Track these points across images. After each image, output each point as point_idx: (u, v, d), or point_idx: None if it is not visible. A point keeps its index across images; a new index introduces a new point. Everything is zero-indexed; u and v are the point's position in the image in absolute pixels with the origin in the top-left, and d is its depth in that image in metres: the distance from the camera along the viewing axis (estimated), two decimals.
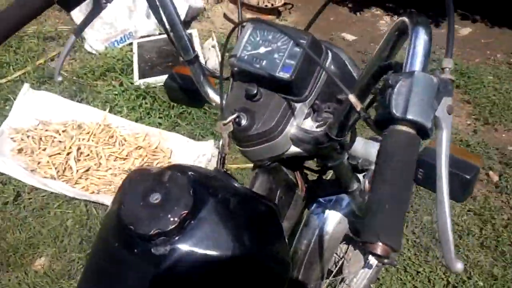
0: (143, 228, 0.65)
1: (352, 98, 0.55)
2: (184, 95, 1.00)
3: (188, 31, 3.12)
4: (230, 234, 0.70)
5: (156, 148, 2.38)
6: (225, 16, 3.79)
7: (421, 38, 0.49)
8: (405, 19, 0.53)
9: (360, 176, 1.00)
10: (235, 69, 0.80)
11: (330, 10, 4.05)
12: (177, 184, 0.70)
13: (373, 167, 1.07)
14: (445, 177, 0.47)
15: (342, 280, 1.53)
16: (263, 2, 3.71)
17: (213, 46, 2.93)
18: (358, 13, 3.99)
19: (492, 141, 2.50)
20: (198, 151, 2.35)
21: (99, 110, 2.53)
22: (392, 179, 0.43)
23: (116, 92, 2.67)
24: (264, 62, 0.76)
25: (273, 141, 0.77)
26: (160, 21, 0.78)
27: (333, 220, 1.18)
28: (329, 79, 0.78)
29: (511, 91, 2.84)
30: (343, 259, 1.43)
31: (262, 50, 0.77)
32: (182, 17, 3.19)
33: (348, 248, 1.45)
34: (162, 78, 2.71)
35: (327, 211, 1.17)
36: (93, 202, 2.14)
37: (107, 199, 2.11)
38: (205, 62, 2.89)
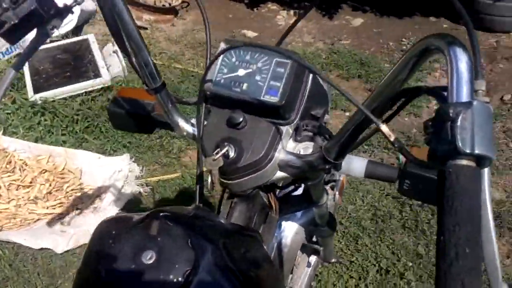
0: None
1: (384, 128, 0.53)
2: (131, 122, 0.90)
3: (84, 36, 2.89)
4: (232, 280, 0.63)
5: (63, 169, 2.16)
6: None
7: (463, 60, 0.46)
8: (435, 40, 0.50)
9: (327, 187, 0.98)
10: (208, 93, 0.73)
11: (227, 7, 4.03)
12: (171, 235, 0.61)
13: (341, 177, 1.06)
14: (490, 202, 0.45)
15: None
16: (160, 1, 3.56)
17: (115, 52, 2.73)
18: (255, 9, 4.01)
19: (396, 125, 2.66)
20: (112, 168, 2.18)
21: None
22: (466, 219, 0.41)
23: (9, 111, 2.39)
24: (245, 86, 0.71)
25: (262, 170, 0.71)
26: (122, 46, 0.68)
27: (291, 231, 1.15)
28: (308, 97, 0.74)
29: None
30: (293, 265, 1.41)
31: (241, 72, 0.71)
32: (75, 22, 2.93)
33: (297, 253, 1.43)
34: (61, 90, 2.49)
35: (283, 223, 1.14)
36: None
37: (13, 236, 1.88)
38: (107, 69, 2.69)
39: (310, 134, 0.76)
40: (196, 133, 0.80)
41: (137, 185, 2.14)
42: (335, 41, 3.60)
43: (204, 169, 0.79)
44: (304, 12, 0.87)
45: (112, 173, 2.15)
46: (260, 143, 0.70)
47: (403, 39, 3.58)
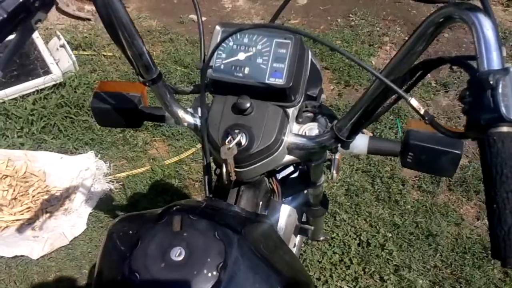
0: None
1: (413, 101, 0.53)
2: (119, 117, 0.85)
3: None
4: (260, 267, 0.62)
5: (25, 173, 2.04)
6: (58, 9, 3.38)
7: (489, 28, 0.46)
8: (456, 9, 0.49)
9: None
10: (208, 80, 0.71)
11: None
12: (196, 229, 0.58)
13: (337, 156, 1.07)
14: None
15: None
16: None
17: (62, 46, 2.58)
18: None
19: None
20: (78, 167, 2.08)
21: None
22: None
23: None
24: (246, 70, 0.69)
25: (273, 155, 0.70)
26: (115, 38, 0.64)
27: (284, 214, 1.15)
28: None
29: (361, 52, 3.09)
30: None
31: (241, 56, 0.69)
32: None
33: (291, 236, 1.43)
34: (11, 90, 2.35)
35: None
36: None
37: None
38: (57, 64, 2.54)
39: (311, 115, 0.76)
40: (198, 123, 0.77)
41: (107, 182, 2.06)
42: (285, 21, 3.59)
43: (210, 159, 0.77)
44: None
45: (79, 172, 2.06)
46: (270, 128, 0.69)
47: (350, 15, 3.63)
